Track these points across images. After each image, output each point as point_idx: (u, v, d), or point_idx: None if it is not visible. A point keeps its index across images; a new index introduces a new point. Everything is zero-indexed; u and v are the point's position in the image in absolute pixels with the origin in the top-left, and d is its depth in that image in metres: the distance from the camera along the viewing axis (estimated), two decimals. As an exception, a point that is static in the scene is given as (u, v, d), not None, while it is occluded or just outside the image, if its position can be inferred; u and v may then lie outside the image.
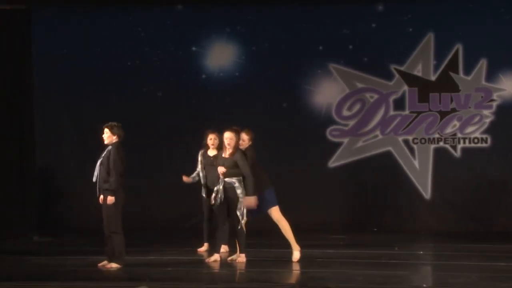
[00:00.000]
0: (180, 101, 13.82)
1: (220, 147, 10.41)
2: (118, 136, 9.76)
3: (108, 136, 9.76)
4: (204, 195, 10.95)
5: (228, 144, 10.01)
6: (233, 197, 9.98)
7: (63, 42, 13.82)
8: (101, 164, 9.67)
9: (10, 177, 12.91)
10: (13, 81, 13.63)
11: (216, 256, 10.14)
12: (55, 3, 13.76)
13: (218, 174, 10.06)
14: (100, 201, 9.67)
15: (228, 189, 10.01)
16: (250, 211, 10.03)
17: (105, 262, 9.78)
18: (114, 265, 9.72)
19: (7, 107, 13.50)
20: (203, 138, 10.92)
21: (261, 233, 12.92)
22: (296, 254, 10.20)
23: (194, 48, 13.85)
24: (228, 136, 10.03)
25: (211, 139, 10.79)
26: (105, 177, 9.61)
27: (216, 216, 10.31)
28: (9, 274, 9.63)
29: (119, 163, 9.60)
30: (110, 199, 9.59)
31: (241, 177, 10.00)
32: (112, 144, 9.71)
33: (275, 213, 10.25)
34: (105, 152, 9.73)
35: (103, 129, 9.81)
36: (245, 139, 10.22)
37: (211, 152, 10.83)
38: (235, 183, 9.99)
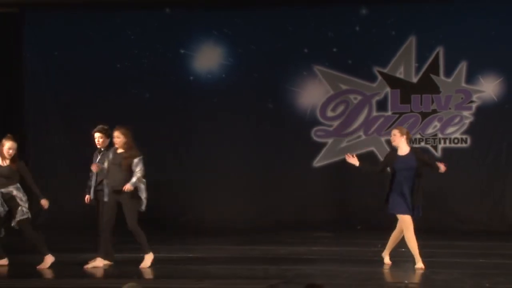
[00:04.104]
0: (168, 102, 13.75)
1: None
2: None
3: (103, 141, 9.83)
4: None
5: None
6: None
7: (54, 45, 13.74)
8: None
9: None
10: (4, 82, 13.54)
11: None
12: (46, 7, 13.67)
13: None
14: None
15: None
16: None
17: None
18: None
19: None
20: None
21: (250, 230, 13.00)
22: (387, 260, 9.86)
23: (182, 51, 13.79)
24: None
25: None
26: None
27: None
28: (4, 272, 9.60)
29: None
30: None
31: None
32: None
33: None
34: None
35: (95, 134, 9.76)
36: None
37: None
38: None
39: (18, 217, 9.69)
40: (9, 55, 13.62)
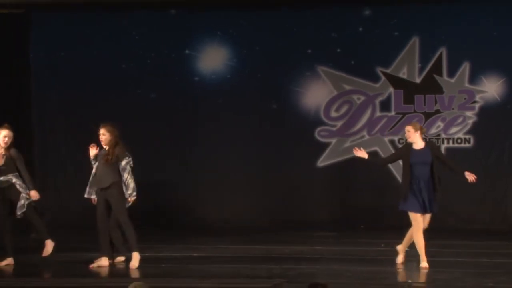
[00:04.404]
0: (173, 102, 13.77)
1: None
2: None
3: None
4: None
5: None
6: None
7: (60, 45, 13.75)
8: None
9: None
10: (12, 83, 13.58)
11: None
12: (53, 8, 13.68)
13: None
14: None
15: None
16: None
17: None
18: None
19: (5, 108, 13.37)
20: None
21: (253, 229, 13.02)
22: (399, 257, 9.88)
23: (187, 51, 13.80)
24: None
25: (100, 134, 9.86)
26: None
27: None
28: (11, 271, 9.66)
29: None
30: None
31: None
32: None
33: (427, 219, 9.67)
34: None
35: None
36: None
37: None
38: None
39: (20, 202, 9.72)
40: (16, 56, 13.65)
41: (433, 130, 13.55)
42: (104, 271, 9.56)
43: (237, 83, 13.73)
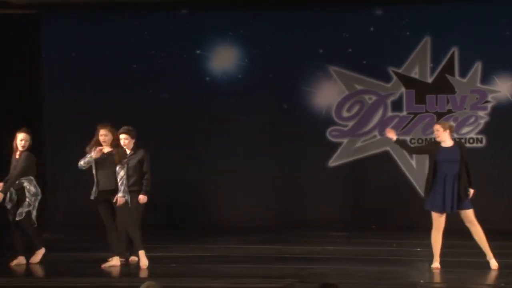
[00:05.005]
0: (184, 102, 13.77)
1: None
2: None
3: (128, 141, 9.89)
4: None
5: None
6: None
7: (72, 45, 13.78)
8: (130, 167, 9.74)
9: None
10: (24, 82, 13.64)
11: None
12: (65, 8, 13.72)
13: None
14: (119, 202, 9.57)
15: None
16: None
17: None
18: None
19: (18, 108, 13.50)
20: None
21: (264, 229, 13.02)
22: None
23: (198, 51, 13.80)
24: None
25: (102, 135, 9.85)
26: (138, 179, 9.75)
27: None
28: (24, 270, 9.66)
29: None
30: (145, 198, 9.83)
31: None
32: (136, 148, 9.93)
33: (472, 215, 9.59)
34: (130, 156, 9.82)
35: (120, 135, 9.85)
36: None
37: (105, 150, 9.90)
38: None
39: (22, 209, 9.74)
40: (27, 56, 13.69)
41: (445, 130, 13.51)
42: (116, 271, 9.58)
43: (248, 83, 13.73)
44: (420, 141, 13.55)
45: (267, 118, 13.65)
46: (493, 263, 9.45)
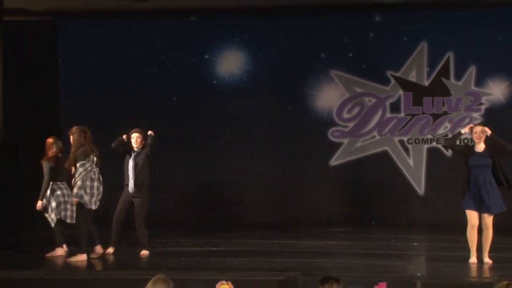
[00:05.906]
0: (193, 104, 13.86)
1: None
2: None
3: (140, 141, 10.31)
4: None
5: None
6: None
7: (86, 51, 13.90)
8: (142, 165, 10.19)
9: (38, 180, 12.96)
10: (40, 87, 13.72)
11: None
12: (79, 16, 13.79)
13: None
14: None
15: None
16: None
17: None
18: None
19: (34, 112, 13.56)
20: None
21: (269, 225, 13.08)
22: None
23: (206, 56, 13.93)
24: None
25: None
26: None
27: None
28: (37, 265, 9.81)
29: None
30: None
31: None
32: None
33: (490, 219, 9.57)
34: (138, 155, 10.25)
35: (133, 134, 10.19)
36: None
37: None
38: None
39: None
40: (44, 62, 13.75)
41: (441, 131, 13.63)
42: (127, 264, 9.70)
43: (254, 86, 13.82)
44: (417, 141, 13.68)
45: (271, 120, 13.75)
46: (487, 261, 9.52)
